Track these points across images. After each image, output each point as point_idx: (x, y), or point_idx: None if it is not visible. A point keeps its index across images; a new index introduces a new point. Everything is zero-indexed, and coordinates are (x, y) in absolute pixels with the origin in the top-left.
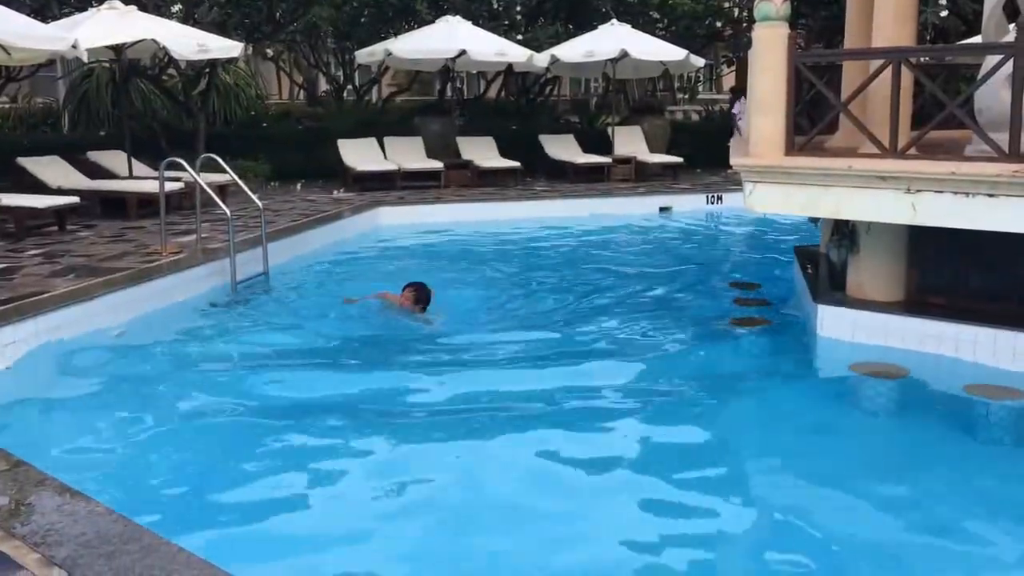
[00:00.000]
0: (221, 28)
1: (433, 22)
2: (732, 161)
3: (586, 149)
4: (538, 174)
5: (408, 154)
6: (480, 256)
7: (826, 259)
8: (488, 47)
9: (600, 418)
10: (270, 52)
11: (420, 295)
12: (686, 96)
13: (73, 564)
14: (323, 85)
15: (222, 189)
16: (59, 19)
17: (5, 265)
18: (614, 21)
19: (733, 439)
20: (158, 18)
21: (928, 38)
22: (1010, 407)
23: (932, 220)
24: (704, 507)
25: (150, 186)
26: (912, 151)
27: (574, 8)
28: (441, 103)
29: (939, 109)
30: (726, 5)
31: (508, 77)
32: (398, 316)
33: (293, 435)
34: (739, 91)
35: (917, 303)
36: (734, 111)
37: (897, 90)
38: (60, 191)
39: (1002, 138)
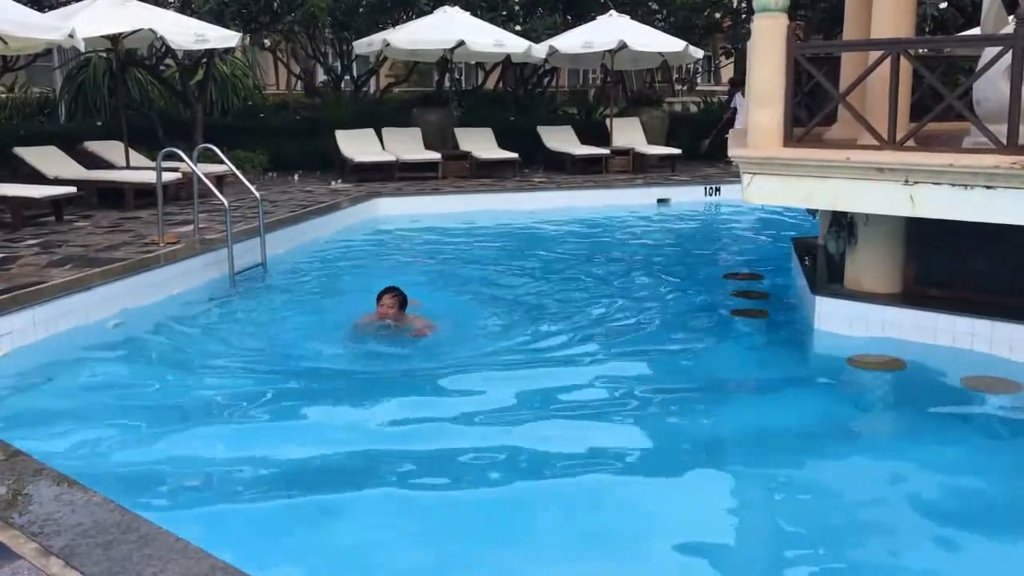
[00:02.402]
0: (218, 18)
1: (431, 12)
2: (730, 152)
3: (584, 140)
4: (536, 165)
5: (406, 145)
6: (477, 247)
7: (824, 251)
8: (486, 38)
9: (596, 409)
10: (267, 42)
11: (402, 298)
12: (684, 87)
13: (71, 553)
14: (321, 75)
15: (219, 179)
16: (56, 8)
17: (2, 255)
18: (612, 12)
19: (729, 431)
20: (155, 8)
21: (927, 30)
22: (1007, 399)
23: (930, 212)
24: (698, 499)
25: (147, 176)
26: (910, 143)
27: None
28: (439, 94)
29: (937, 101)
30: None
31: (506, 68)
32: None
33: (290, 427)
34: (737, 83)
35: (915, 295)
36: (733, 104)
37: (896, 82)
38: (57, 181)
39: (1000, 130)
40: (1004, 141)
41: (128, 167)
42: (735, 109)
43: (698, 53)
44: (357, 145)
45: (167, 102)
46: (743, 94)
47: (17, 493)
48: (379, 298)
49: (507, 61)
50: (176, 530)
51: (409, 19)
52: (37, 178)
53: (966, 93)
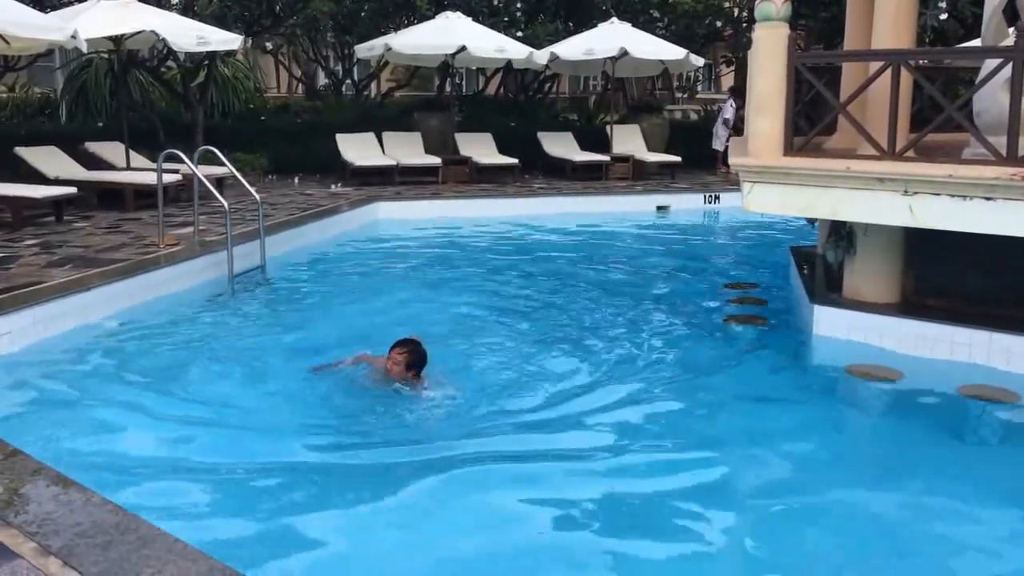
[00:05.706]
0: (220, 21)
1: (433, 17)
2: (731, 161)
3: (584, 147)
4: (536, 171)
5: (406, 149)
6: (476, 253)
7: (823, 260)
8: (488, 43)
9: (594, 414)
10: (269, 45)
11: (413, 358)
12: (685, 95)
13: (69, 553)
14: (322, 79)
15: (220, 182)
16: (58, 9)
17: (2, 255)
18: (614, 19)
19: (727, 439)
20: (158, 9)
21: (927, 41)
22: (1004, 409)
23: (929, 222)
24: (695, 507)
25: (148, 178)
26: (910, 153)
27: (574, 6)
28: (440, 99)
29: (937, 112)
30: (726, 5)
31: (507, 74)
32: (382, 384)
33: (283, 431)
34: (738, 91)
35: (913, 305)
36: (726, 116)
37: (896, 92)
38: (57, 181)
39: (1000, 141)
40: (1004, 153)
41: (128, 168)
42: (726, 119)
43: (699, 61)
44: (358, 149)
45: (168, 104)
46: (732, 104)
47: (15, 492)
48: (394, 348)
49: (508, 67)
50: (174, 531)
51: (411, 24)
52: (37, 178)
53: (966, 104)
